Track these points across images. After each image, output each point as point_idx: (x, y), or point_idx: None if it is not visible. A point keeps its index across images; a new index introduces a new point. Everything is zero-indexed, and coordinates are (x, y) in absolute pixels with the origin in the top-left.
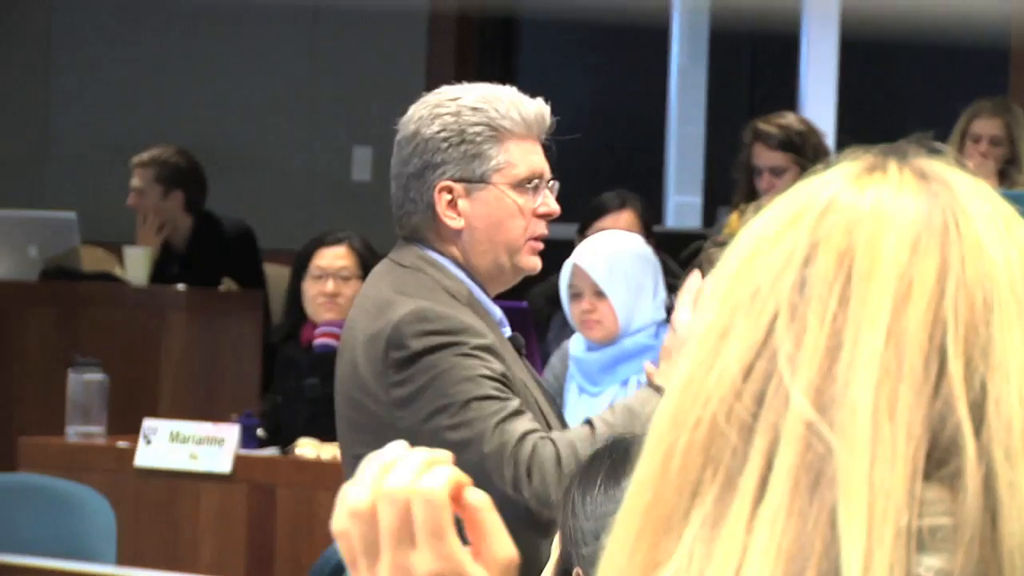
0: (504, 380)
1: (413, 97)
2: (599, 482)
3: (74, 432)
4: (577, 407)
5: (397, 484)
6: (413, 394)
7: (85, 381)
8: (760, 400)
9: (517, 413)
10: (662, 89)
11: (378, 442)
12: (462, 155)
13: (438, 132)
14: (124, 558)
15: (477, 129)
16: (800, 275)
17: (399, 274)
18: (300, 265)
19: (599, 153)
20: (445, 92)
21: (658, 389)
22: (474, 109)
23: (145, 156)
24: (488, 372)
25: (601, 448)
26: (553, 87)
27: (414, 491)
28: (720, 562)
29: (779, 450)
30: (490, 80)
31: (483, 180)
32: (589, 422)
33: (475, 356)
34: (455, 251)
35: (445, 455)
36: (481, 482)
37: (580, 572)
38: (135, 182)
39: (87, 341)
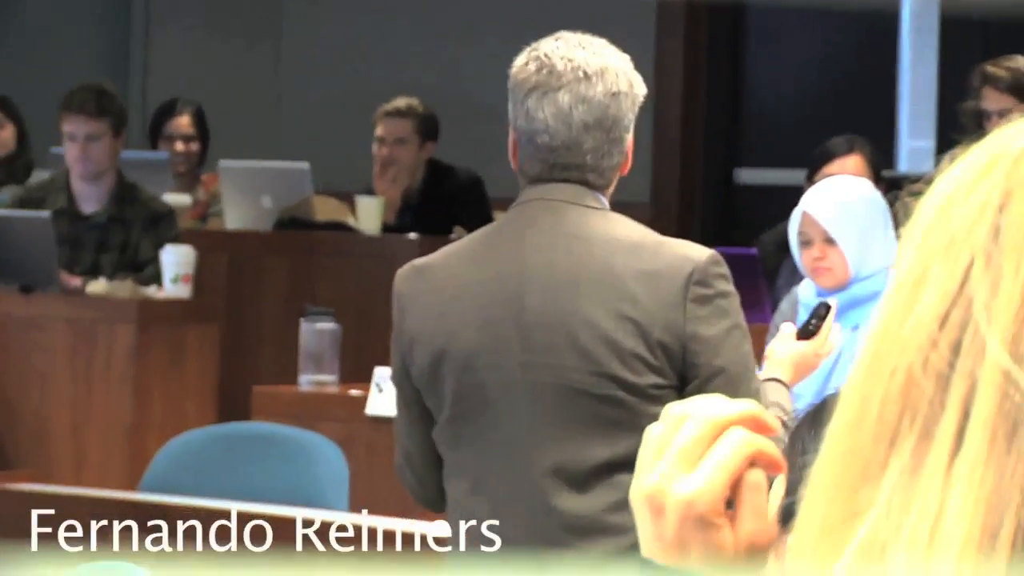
0: None
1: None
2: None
3: (307, 381)
4: None
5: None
6: (715, 336)
7: (318, 330)
8: (956, 349)
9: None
10: (894, 30)
11: (658, 370)
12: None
13: (640, 93)
14: (357, 506)
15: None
16: (995, 222)
17: (603, 216)
18: None
19: (830, 98)
20: (609, 48)
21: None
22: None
23: (401, 105)
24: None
25: (832, 395)
26: (785, 32)
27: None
28: (918, 513)
29: (976, 400)
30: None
31: None
32: None
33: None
34: (605, 198)
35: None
36: None
37: None
38: (386, 131)
39: (320, 290)
